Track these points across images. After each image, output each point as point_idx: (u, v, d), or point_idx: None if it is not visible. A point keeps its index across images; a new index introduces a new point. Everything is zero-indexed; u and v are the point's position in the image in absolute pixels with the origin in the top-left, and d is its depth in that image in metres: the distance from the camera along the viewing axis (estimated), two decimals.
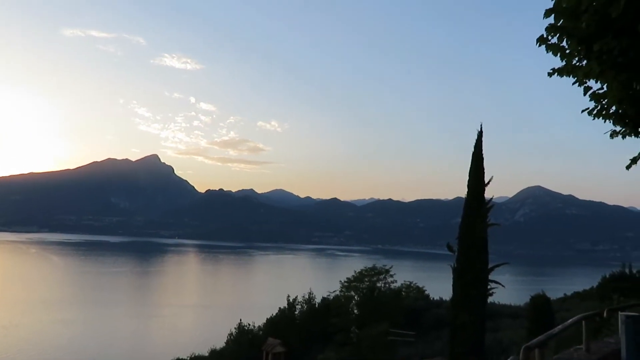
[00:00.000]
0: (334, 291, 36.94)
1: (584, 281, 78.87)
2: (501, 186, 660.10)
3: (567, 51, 6.75)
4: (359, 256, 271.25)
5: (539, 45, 6.77)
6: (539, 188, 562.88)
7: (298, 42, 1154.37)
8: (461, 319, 17.81)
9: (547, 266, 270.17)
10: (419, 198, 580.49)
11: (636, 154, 7.21)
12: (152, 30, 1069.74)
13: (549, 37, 6.69)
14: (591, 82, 6.96)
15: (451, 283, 18.72)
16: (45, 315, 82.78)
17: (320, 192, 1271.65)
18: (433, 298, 40.29)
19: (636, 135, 7.37)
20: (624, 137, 7.47)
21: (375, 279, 35.64)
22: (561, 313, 23.44)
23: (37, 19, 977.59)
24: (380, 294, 34.83)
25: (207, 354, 36.98)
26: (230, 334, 35.13)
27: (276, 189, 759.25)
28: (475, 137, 19.06)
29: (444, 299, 37.54)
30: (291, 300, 35.37)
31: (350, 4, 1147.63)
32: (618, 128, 7.38)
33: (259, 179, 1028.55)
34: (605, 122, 7.31)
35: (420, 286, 41.43)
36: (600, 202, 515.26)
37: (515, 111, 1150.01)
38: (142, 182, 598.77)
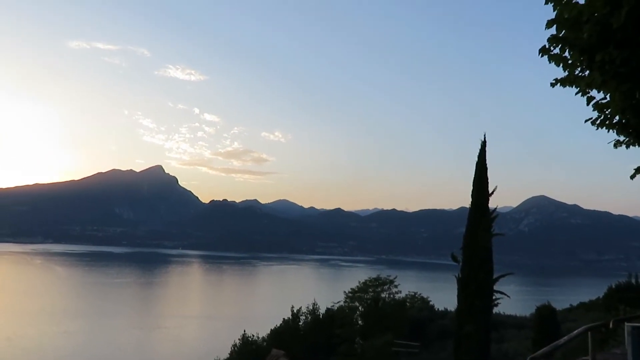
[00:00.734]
0: (338, 302, 36.81)
1: (589, 291, 78.32)
2: (505, 196, 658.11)
3: (570, 61, 6.78)
4: (363, 266, 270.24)
5: (542, 56, 6.80)
6: (543, 198, 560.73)
7: (301, 52, 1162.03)
8: (466, 330, 17.71)
9: (552, 276, 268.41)
10: (423, 208, 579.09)
11: None
12: (157, 42, 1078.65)
13: (552, 48, 6.73)
14: (594, 92, 6.98)
15: (456, 293, 18.63)
16: (49, 327, 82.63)
17: (324, 202, 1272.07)
18: (438, 309, 40.07)
19: None
20: (627, 146, 7.47)
21: (379, 289, 35.52)
22: (567, 324, 23.29)
23: (43, 30, 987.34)
24: (384, 305, 34.68)
25: None
26: (234, 345, 34.98)
27: (280, 200, 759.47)
28: (479, 146, 19.07)
29: (448, 309, 37.35)
30: (295, 311, 35.25)
31: (354, 14, 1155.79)
32: (622, 138, 7.38)
33: (263, 189, 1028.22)
34: (608, 131, 7.31)
35: (425, 297, 41.24)
36: (606, 212, 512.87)
37: (519, 121, 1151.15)
38: (146, 192, 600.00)
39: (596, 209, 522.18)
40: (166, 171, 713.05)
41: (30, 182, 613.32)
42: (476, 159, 18.98)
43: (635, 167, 7.28)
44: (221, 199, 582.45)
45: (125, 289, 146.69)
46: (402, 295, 37.32)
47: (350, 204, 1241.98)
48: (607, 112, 7.10)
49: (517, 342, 25.06)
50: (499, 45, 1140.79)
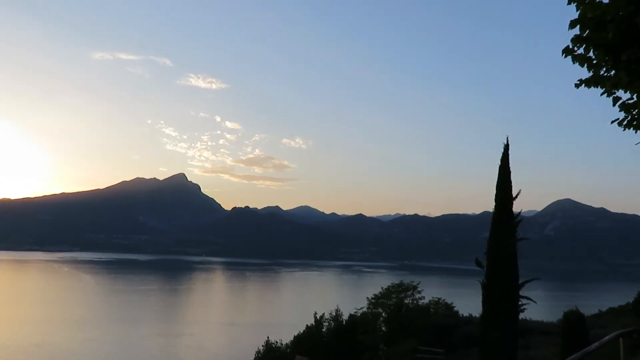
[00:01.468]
0: (361, 308, 36.63)
1: (618, 297, 76.42)
2: (529, 199, 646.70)
3: (594, 62, 6.65)
4: (386, 272, 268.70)
5: (565, 56, 6.70)
6: (568, 201, 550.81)
7: (320, 58, 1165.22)
8: (491, 336, 17.43)
9: (579, 281, 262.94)
10: (446, 213, 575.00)
11: None
12: (178, 51, 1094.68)
13: (575, 48, 6.62)
14: (620, 93, 6.84)
15: (480, 299, 18.37)
16: (76, 334, 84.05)
17: (346, 208, 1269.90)
18: (462, 314, 39.50)
19: None
20: None
21: (402, 295, 35.26)
22: (596, 330, 22.74)
23: (68, 43, 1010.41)
24: (407, 311, 34.40)
25: None
26: (258, 352, 35.05)
27: (301, 206, 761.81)
28: (502, 150, 18.83)
29: (473, 315, 36.84)
30: (318, 317, 35.17)
31: (371, 14, 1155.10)
32: None
33: (284, 195, 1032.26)
34: (636, 132, 7.15)
35: (449, 302, 40.74)
36: (633, 215, 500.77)
37: (543, 123, 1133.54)
38: (170, 200, 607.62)
39: (624, 212, 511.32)
40: (189, 179, 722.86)
41: (57, 192, 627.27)
42: (499, 162, 18.76)
43: None
44: (243, 206, 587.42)
45: (149, 296, 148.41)
46: (426, 301, 36.98)
47: (372, 210, 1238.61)
48: (634, 112, 6.95)
49: (545, 349, 24.56)
50: (521, 46, 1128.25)
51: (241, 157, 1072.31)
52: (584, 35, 6.46)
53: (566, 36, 6.67)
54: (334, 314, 35.71)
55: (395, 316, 33.77)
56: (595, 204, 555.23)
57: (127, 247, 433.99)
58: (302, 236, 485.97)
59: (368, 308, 35.56)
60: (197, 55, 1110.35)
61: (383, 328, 34.44)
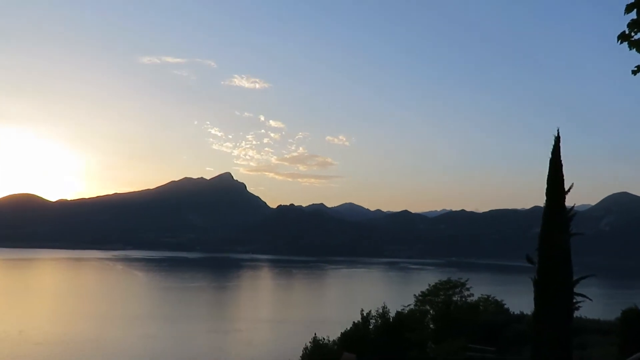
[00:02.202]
0: (408, 305, 36.35)
1: None
2: (583, 193, 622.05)
3: None
4: (432, 269, 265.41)
5: (621, 43, 6.39)
6: (625, 194, 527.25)
7: (361, 54, 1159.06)
8: (545, 335, 16.95)
9: (637, 278, 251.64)
10: (493, 208, 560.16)
11: None
12: (222, 53, 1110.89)
13: (632, 34, 6.31)
14: None
15: (531, 297, 17.93)
16: (133, 330, 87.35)
17: (391, 204, 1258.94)
18: (513, 312, 38.56)
19: None
20: None
21: (450, 292, 34.81)
22: None
23: (117, 48, 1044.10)
24: (456, 308, 33.91)
25: None
26: (305, 348, 35.30)
27: (346, 203, 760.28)
28: (553, 142, 18.29)
29: (525, 313, 35.92)
30: (365, 314, 35.09)
31: (410, 10, 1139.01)
32: None
33: (329, 193, 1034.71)
34: None
35: (499, 300, 39.84)
36: None
37: (596, 114, 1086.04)
38: (217, 199, 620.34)
39: None
40: (234, 178, 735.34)
41: (110, 192, 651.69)
42: (550, 155, 18.23)
43: None
44: (288, 204, 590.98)
45: (199, 293, 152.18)
46: (475, 298, 36.36)
47: (418, 206, 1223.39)
48: None
49: (602, 349, 23.71)
50: (572, 33, 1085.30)
51: (285, 156, 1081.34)
52: None
53: (622, 21, 6.37)
54: (380, 311, 35.51)
55: (444, 314, 33.35)
56: None
57: (176, 245, 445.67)
58: (347, 233, 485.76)
59: (415, 305, 35.27)
60: (240, 56, 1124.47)
61: (431, 325, 34.09)
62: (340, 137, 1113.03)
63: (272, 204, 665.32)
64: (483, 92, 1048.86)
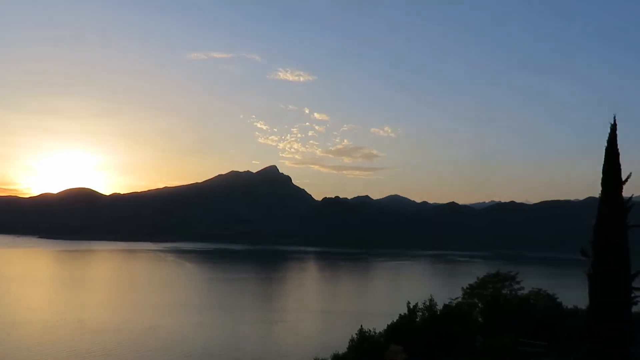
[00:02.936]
0: (456, 298, 35.94)
1: None
2: None
3: None
4: (480, 262, 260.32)
5: None
6: None
7: (406, 45, 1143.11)
8: (602, 330, 16.39)
9: None
10: (545, 199, 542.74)
11: None
12: (266, 47, 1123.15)
13: None
14: None
15: (586, 291, 17.37)
16: (187, 318, 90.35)
17: (437, 196, 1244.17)
18: (566, 306, 37.40)
19: None
20: None
21: (499, 285, 34.23)
22: None
23: (165, 45, 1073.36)
24: (505, 302, 33.24)
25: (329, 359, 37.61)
26: (352, 340, 35.45)
27: (391, 195, 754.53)
28: (609, 130, 17.60)
29: (579, 307, 34.79)
30: (411, 306, 34.89)
31: (464, 6, 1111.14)
32: None
33: (374, 185, 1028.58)
34: None
35: (551, 293, 38.76)
36: None
37: None
38: (263, 192, 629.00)
39: None
40: (280, 171, 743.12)
41: (161, 186, 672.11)
42: (605, 144, 17.56)
43: None
44: (333, 196, 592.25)
45: (248, 284, 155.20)
46: (525, 291, 35.53)
47: (465, 197, 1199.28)
48: None
49: None
50: (624, 21, 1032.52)
51: (330, 148, 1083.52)
52: None
53: None
54: (427, 303, 35.24)
55: (493, 307, 32.78)
56: None
57: (225, 238, 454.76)
58: (393, 225, 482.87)
59: (463, 298, 34.90)
60: (284, 49, 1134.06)
61: (480, 319, 33.56)
62: (386, 128, 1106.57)
63: (318, 196, 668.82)
64: (535, 80, 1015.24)
